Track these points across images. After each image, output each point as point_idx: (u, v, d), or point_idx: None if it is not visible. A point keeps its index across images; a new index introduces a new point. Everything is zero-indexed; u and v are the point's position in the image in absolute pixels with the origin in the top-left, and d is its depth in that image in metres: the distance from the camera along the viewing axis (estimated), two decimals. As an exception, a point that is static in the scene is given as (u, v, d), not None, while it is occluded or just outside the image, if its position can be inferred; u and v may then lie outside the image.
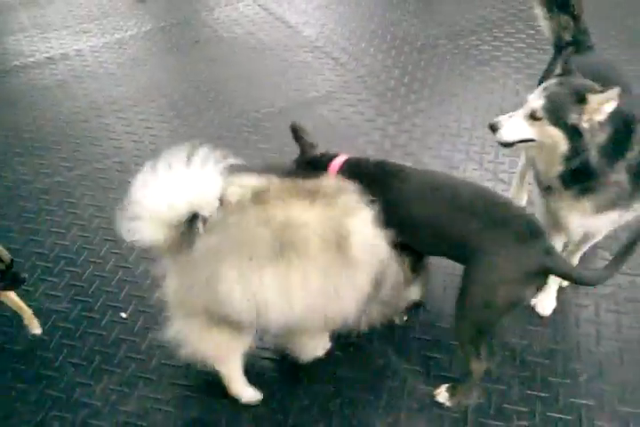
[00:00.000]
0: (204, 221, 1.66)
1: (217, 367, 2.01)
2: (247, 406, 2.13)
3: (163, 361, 2.31)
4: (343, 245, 1.70)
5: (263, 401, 2.13)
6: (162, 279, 1.83)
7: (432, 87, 3.85)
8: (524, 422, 2.02)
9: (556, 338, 2.29)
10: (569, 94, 1.80)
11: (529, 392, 2.12)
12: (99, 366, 2.32)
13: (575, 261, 2.39)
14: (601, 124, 1.79)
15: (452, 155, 3.27)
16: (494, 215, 1.79)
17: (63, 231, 2.94)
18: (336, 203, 1.74)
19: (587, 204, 1.95)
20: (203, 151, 1.67)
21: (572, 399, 2.09)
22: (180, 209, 1.63)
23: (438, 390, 2.10)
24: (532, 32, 4.27)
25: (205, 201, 1.65)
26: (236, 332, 1.83)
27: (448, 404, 2.07)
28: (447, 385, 2.09)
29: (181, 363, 2.26)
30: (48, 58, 4.47)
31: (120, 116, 3.80)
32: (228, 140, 3.49)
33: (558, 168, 1.89)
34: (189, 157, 1.66)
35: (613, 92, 1.74)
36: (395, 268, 1.90)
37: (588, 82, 1.84)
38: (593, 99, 1.76)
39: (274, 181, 1.77)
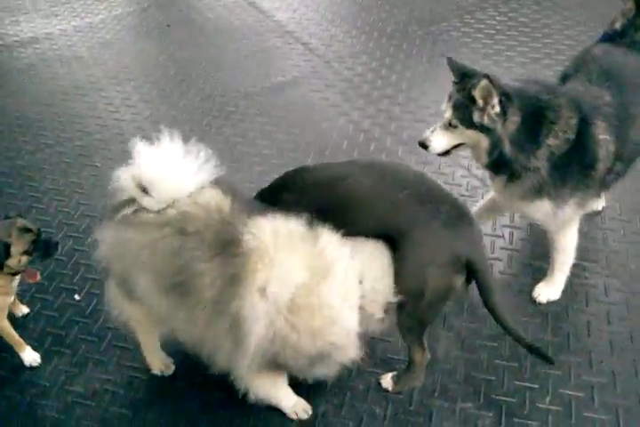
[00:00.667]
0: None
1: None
2: (193, 388, 2.14)
3: (113, 343, 2.32)
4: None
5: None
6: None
7: (400, 73, 3.85)
8: (469, 404, 2.04)
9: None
10: (465, 97, 1.89)
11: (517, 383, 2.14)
12: (49, 347, 2.32)
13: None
14: (500, 115, 1.86)
15: (414, 140, 3.27)
16: (425, 197, 1.79)
17: (42, 207, 2.95)
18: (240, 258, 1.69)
19: (513, 189, 2.02)
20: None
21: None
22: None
23: (383, 377, 2.11)
24: (504, 19, 4.29)
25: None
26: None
27: (391, 390, 2.09)
28: (392, 373, 2.10)
29: (131, 345, 2.29)
30: (16, 41, 4.43)
31: (85, 100, 3.78)
32: (192, 124, 3.49)
33: (485, 160, 1.98)
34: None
35: (483, 83, 1.81)
36: None
37: (475, 80, 1.88)
38: (476, 95, 1.84)
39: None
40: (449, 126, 1.97)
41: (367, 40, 4.24)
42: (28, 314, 2.43)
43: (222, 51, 4.22)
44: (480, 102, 1.86)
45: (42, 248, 2.07)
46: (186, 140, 3.23)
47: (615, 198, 2.74)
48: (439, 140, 2.00)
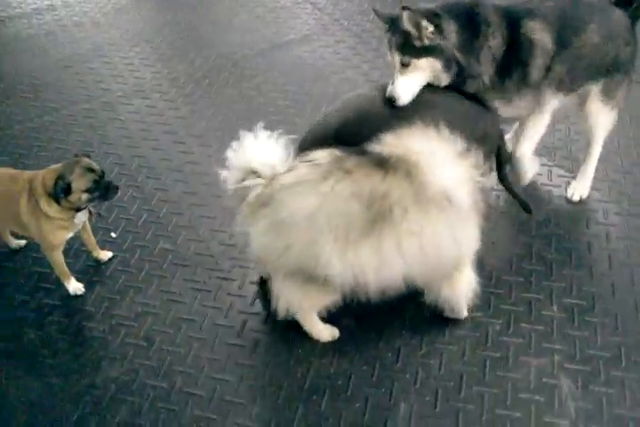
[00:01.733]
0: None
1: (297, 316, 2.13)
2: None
3: (151, 273, 2.51)
4: (430, 199, 1.77)
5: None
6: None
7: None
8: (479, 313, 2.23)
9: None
10: (400, 35, 2.11)
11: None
12: (91, 278, 2.51)
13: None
14: (441, 31, 2.08)
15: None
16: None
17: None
18: (403, 167, 1.78)
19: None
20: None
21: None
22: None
23: None
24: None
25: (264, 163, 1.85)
26: (327, 290, 1.93)
27: None
28: None
29: (167, 273, 2.49)
30: (34, 9, 4.56)
31: (105, 60, 3.94)
32: (210, 80, 3.65)
33: (447, 79, 2.17)
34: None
35: (405, 14, 2.03)
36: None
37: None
38: (407, 26, 2.06)
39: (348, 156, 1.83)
40: (403, 67, 2.13)
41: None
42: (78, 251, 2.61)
43: (234, 13, 4.35)
44: (414, 31, 2.06)
45: (102, 189, 2.23)
46: (207, 93, 3.42)
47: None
48: (403, 86, 2.14)
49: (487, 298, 2.28)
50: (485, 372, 2.07)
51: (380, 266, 1.80)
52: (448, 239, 1.82)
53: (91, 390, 2.10)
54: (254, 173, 1.87)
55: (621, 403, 1.95)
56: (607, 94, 2.40)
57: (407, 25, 2.06)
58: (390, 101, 2.14)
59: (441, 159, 1.83)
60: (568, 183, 2.72)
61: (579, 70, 2.28)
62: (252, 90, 3.57)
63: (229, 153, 1.91)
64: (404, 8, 2.05)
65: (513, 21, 2.16)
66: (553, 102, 2.37)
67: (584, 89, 2.39)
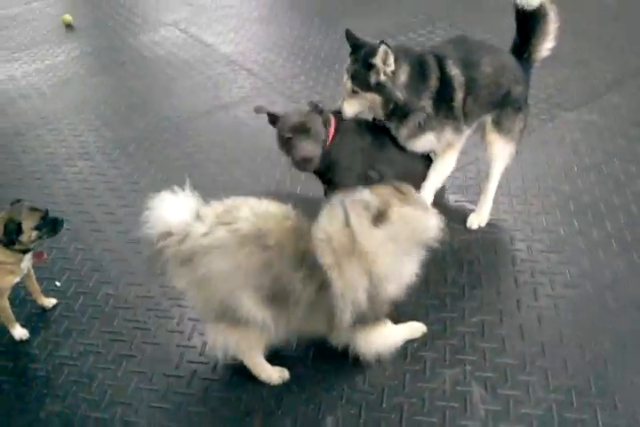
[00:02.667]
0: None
1: (242, 359, 2.26)
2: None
3: (94, 315, 2.66)
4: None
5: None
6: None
7: (333, 88, 4.35)
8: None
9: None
10: (361, 66, 2.44)
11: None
12: (36, 324, 2.64)
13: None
14: (395, 71, 2.41)
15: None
16: None
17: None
18: (319, 275, 1.95)
19: (404, 129, 2.57)
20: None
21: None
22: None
23: None
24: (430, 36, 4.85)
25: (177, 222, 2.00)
26: (256, 331, 2.07)
27: None
28: None
29: (107, 316, 2.64)
30: (-19, 84, 4.81)
31: (50, 128, 4.17)
32: (152, 141, 3.90)
33: (382, 113, 2.54)
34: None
35: (382, 49, 2.36)
36: None
37: (370, 47, 2.43)
38: (377, 59, 2.37)
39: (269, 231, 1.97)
40: (352, 94, 2.49)
41: (303, 64, 4.75)
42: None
43: (174, 80, 4.68)
44: (380, 65, 2.39)
45: (50, 224, 2.41)
46: (149, 152, 3.66)
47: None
48: (349, 106, 2.55)
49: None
50: (405, 384, 2.24)
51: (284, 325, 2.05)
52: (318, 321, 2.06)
53: (34, 425, 2.19)
54: (168, 231, 1.99)
55: (526, 403, 2.15)
56: (500, 126, 2.70)
57: (378, 59, 2.38)
58: (339, 112, 2.58)
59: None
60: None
61: (480, 101, 2.60)
62: (193, 147, 3.82)
63: (146, 213, 2.02)
64: (382, 42, 2.36)
65: (440, 63, 2.53)
66: (464, 135, 2.70)
67: (482, 120, 2.71)
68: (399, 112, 2.51)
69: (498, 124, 2.70)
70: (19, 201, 2.43)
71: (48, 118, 4.29)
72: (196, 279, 1.98)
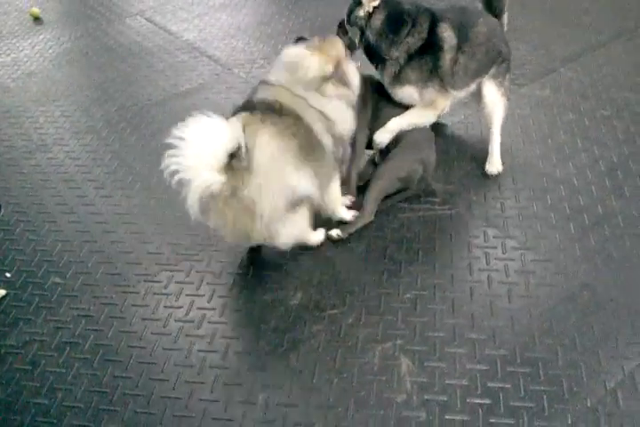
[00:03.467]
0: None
1: (305, 242, 2.66)
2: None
3: (41, 304, 2.71)
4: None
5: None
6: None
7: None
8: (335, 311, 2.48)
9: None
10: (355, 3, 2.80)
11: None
12: (-15, 314, 2.69)
13: None
14: (372, 14, 2.71)
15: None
16: None
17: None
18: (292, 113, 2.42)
19: (385, 76, 2.84)
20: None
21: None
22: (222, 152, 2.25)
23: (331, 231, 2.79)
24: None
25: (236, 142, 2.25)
26: (307, 209, 2.50)
27: (342, 235, 2.78)
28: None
29: (55, 304, 2.69)
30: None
31: (12, 121, 4.18)
32: (109, 130, 3.92)
33: (358, 45, 2.83)
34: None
35: None
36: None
37: None
38: None
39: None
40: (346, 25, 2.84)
41: (265, 48, 4.75)
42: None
43: (135, 69, 4.68)
44: (365, 1, 2.69)
45: None
46: (105, 141, 3.68)
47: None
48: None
49: (343, 296, 2.52)
50: (336, 360, 2.29)
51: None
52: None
53: (-26, 412, 2.26)
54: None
55: (451, 374, 2.19)
56: (497, 79, 2.96)
57: None
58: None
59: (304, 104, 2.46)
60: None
61: (473, 64, 2.83)
62: (149, 136, 3.84)
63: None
64: None
65: (433, 23, 2.74)
66: (453, 98, 2.94)
67: (480, 80, 2.95)
68: (377, 56, 2.78)
69: (494, 78, 2.96)
70: None
71: (10, 112, 4.31)
72: (257, 179, 2.28)
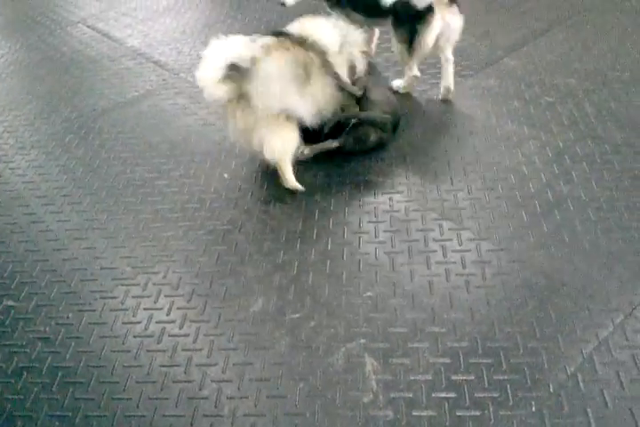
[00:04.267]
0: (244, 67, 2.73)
1: (279, 162, 3.00)
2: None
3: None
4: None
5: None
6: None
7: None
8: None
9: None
10: None
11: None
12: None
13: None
14: None
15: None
16: None
17: None
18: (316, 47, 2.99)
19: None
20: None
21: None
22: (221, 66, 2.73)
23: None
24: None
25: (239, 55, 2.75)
26: (294, 127, 2.94)
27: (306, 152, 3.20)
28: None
29: (9, 328, 2.61)
30: None
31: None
32: (56, 143, 3.83)
33: None
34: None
35: None
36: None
37: None
38: None
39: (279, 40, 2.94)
40: None
41: (210, 50, 4.69)
42: None
43: (79, 79, 4.59)
44: None
45: None
46: (52, 156, 3.60)
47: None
48: None
49: (302, 298, 2.51)
50: (301, 364, 2.28)
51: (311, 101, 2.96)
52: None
53: None
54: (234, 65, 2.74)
55: (415, 369, 2.20)
56: None
57: None
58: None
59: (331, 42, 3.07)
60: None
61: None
62: (97, 147, 3.77)
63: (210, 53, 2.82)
64: None
65: None
66: None
67: None
68: None
69: None
70: None
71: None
72: (258, 84, 2.75)
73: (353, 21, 3.48)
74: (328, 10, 3.74)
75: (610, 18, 4.26)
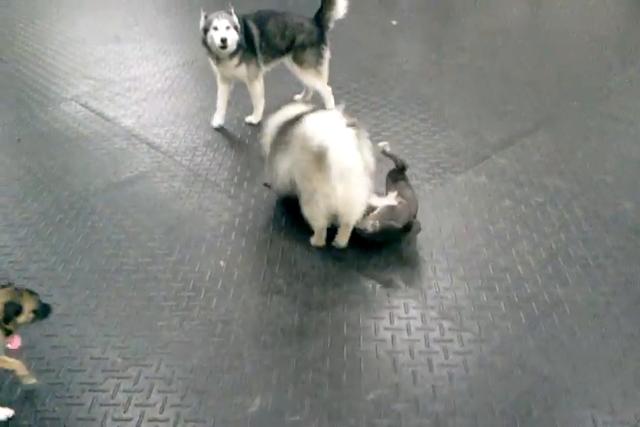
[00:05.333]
0: None
1: (314, 224, 3.25)
2: None
3: None
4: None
5: None
6: None
7: (234, 160, 4.38)
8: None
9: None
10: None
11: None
12: None
13: None
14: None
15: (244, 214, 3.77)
16: None
17: None
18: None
19: (232, 63, 4.45)
20: None
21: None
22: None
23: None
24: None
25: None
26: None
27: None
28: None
29: None
30: None
31: (-62, 213, 3.98)
32: (46, 222, 3.78)
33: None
34: None
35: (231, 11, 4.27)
36: None
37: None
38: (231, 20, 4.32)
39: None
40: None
41: (206, 135, 4.79)
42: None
43: (72, 157, 4.60)
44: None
45: (43, 309, 2.44)
46: (42, 235, 3.54)
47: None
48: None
49: (302, 399, 2.44)
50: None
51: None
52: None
53: None
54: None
55: None
56: (299, 61, 4.55)
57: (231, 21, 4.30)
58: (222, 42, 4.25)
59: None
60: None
61: (274, 45, 4.46)
62: (89, 228, 3.72)
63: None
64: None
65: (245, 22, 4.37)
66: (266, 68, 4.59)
67: (282, 59, 4.61)
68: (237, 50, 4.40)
69: (296, 60, 4.53)
70: (9, 284, 2.47)
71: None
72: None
73: None
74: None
75: (591, 122, 4.50)
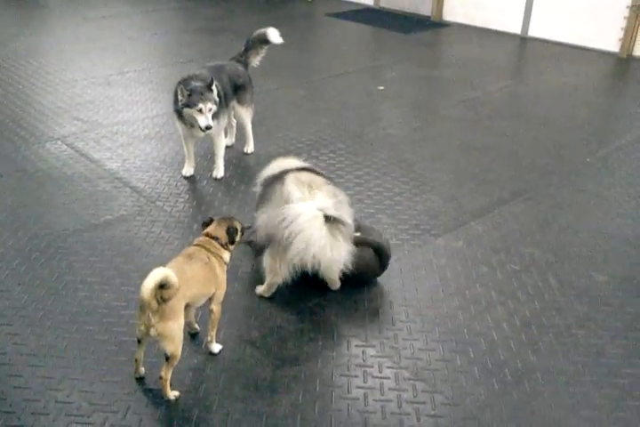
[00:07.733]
0: None
1: (270, 277, 3.28)
2: None
3: None
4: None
5: None
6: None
7: (218, 207, 4.41)
8: None
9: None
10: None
11: None
12: None
13: None
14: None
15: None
16: None
17: None
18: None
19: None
20: None
21: None
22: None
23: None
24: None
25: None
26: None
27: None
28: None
29: None
30: None
31: None
32: (21, 260, 3.73)
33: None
34: None
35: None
36: None
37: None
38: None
39: None
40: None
41: (189, 182, 4.83)
42: None
43: (53, 196, 4.59)
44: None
45: (242, 228, 3.14)
46: (15, 273, 3.49)
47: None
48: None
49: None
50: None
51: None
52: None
53: None
54: None
55: None
56: (240, 101, 5.07)
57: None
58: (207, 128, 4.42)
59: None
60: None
61: (226, 90, 4.77)
62: (65, 268, 3.68)
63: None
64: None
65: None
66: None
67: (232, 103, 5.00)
68: None
69: (239, 101, 5.07)
70: (211, 219, 3.05)
71: None
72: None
73: None
74: None
75: (567, 195, 4.65)
